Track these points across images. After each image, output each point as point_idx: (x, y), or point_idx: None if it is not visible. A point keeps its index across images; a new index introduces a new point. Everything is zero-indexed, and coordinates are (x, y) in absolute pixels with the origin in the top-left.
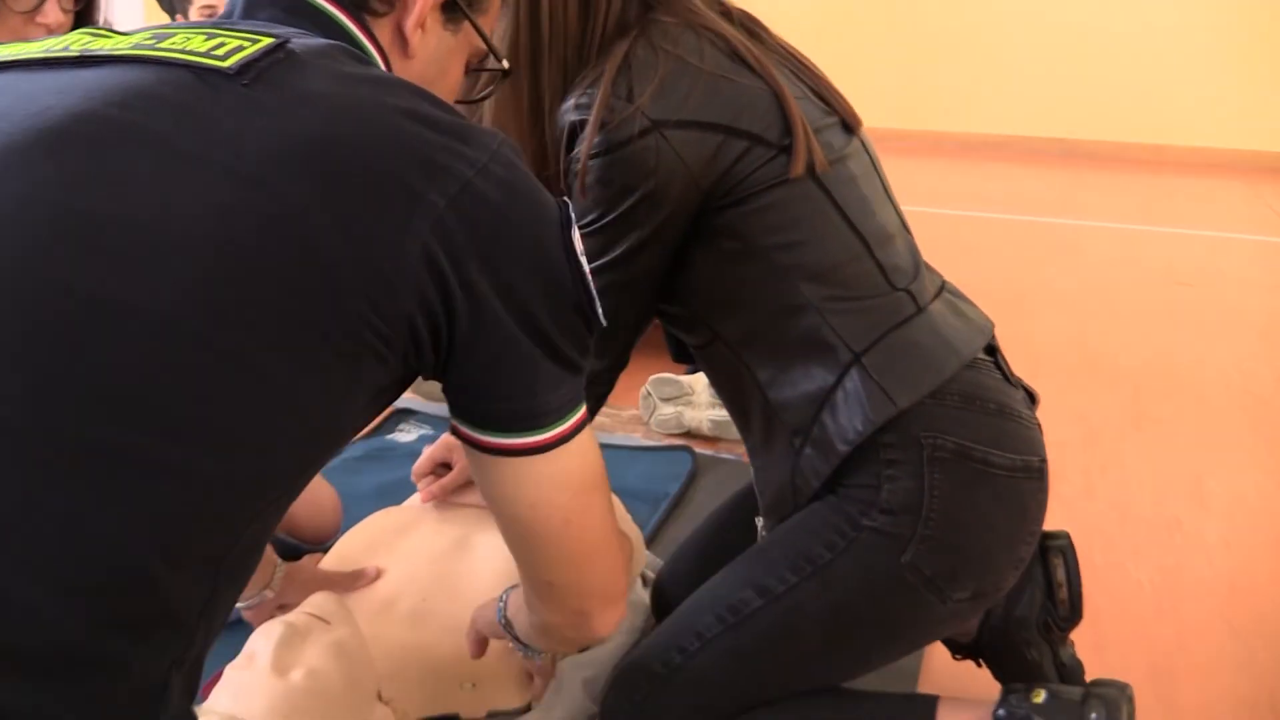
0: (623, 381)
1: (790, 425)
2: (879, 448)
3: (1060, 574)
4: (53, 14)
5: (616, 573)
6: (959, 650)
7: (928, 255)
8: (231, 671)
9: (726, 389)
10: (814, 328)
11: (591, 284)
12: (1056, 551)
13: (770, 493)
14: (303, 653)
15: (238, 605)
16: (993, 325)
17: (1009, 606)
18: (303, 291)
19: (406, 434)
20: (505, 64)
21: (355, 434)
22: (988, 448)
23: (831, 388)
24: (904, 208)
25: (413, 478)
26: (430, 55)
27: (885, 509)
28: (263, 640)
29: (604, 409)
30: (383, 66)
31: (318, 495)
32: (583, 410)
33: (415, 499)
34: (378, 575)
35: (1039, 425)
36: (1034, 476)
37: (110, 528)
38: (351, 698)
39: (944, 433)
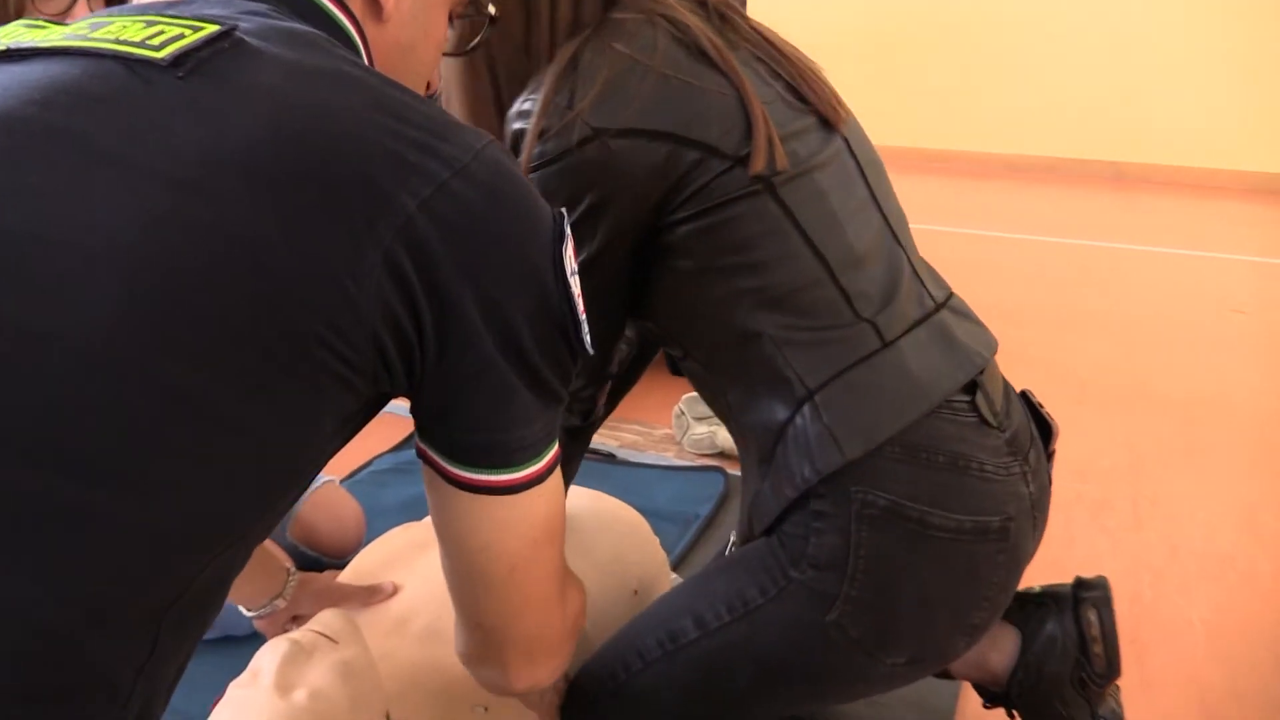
0: (657, 399)
1: (756, 453)
2: (809, 497)
3: (1095, 629)
4: (82, 16)
5: (550, 630)
6: (990, 699)
7: (973, 279)
8: (234, 689)
9: (710, 404)
10: (770, 357)
11: (580, 308)
12: (1090, 605)
13: (741, 513)
14: (307, 672)
15: (248, 614)
16: (991, 351)
17: (1039, 661)
18: (248, 313)
19: None
20: (492, 9)
21: (325, 462)
22: (927, 507)
23: (785, 423)
24: (949, 230)
25: None
26: (408, 15)
27: (813, 563)
28: (268, 657)
29: (637, 426)
30: (356, 38)
31: (339, 509)
32: (556, 449)
33: None
34: (394, 591)
35: (1029, 472)
36: (990, 538)
37: (22, 587)
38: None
39: (876, 488)
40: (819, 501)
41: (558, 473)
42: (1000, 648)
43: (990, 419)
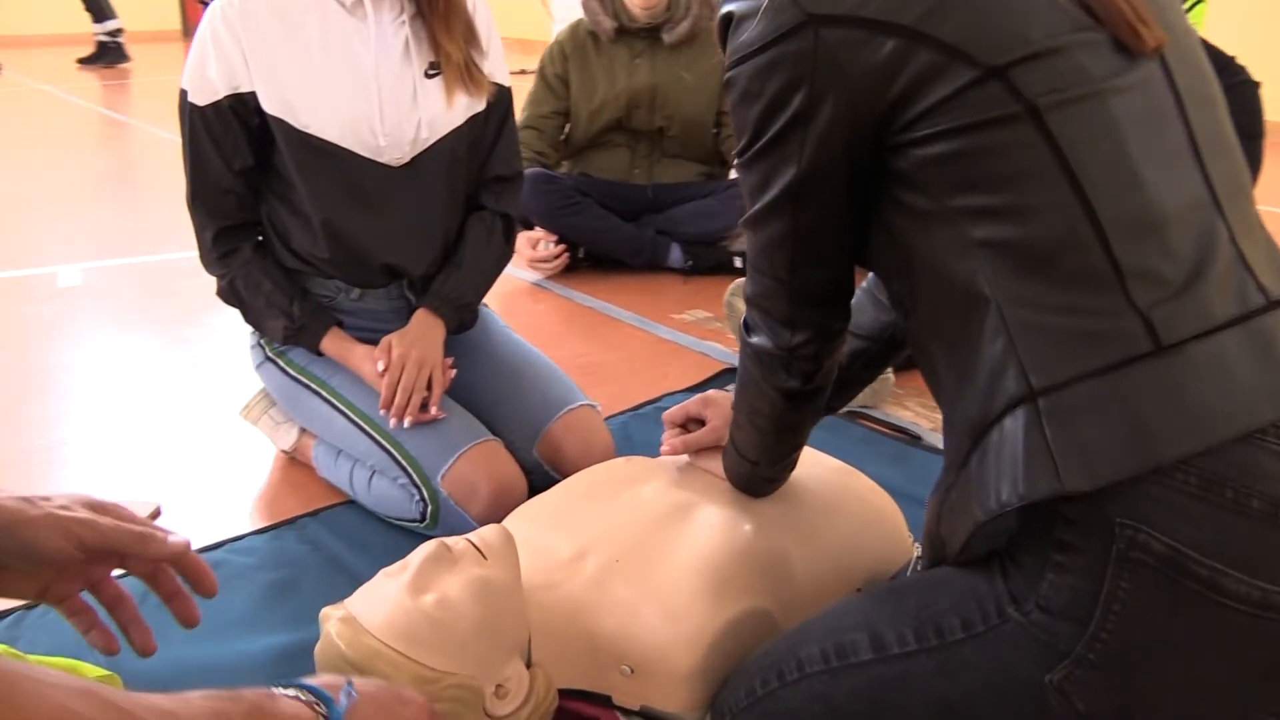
0: None
1: (954, 450)
2: (1056, 519)
3: None
4: None
5: None
6: None
7: None
8: (382, 574)
9: (927, 382)
10: (995, 334)
11: None
12: None
13: (926, 524)
14: (445, 579)
15: None
16: None
17: None
18: None
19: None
20: None
21: None
22: (1224, 566)
23: (992, 423)
24: None
25: (663, 419)
26: None
27: (1044, 606)
28: (419, 554)
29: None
30: None
31: (590, 435)
32: None
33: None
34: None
35: None
36: None
37: None
38: (479, 643)
39: (1154, 527)
40: (1066, 528)
41: None
42: None
43: None
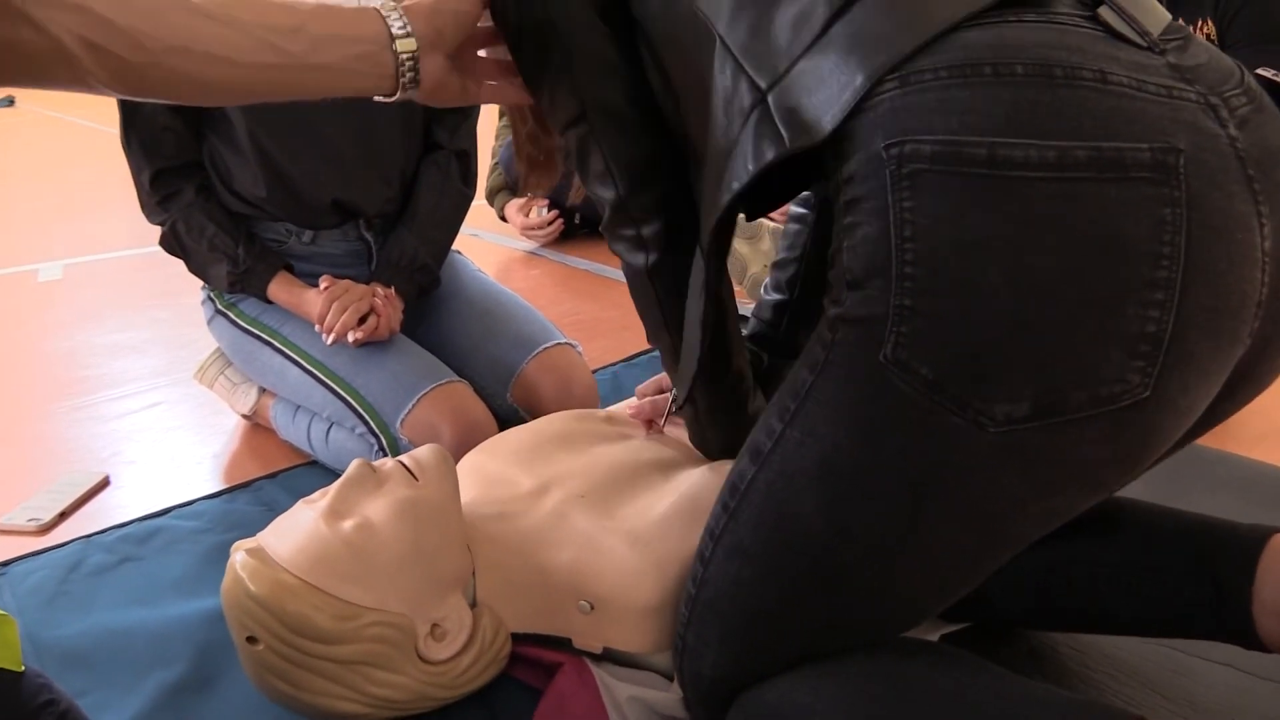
0: None
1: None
2: (840, 183)
3: None
4: None
5: None
6: None
7: None
8: (301, 504)
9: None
10: (722, 64)
11: None
12: None
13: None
14: (366, 502)
15: None
16: None
17: None
18: None
19: None
20: None
21: None
22: (1003, 136)
23: (733, 146)
24: None
25: (636, 391)
26: None
27: (850, 279)
28: (340, 478)
29: None
30: None
31: (569, 374)
32: None
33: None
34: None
35: (1221, 110)
36: (1136, 176)
37: None
38: (406, 574)
39: (917, 131)
40: (848, 186)
41: None
42: None
43: (1130, 35)
